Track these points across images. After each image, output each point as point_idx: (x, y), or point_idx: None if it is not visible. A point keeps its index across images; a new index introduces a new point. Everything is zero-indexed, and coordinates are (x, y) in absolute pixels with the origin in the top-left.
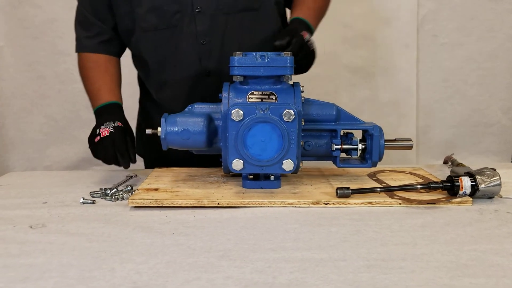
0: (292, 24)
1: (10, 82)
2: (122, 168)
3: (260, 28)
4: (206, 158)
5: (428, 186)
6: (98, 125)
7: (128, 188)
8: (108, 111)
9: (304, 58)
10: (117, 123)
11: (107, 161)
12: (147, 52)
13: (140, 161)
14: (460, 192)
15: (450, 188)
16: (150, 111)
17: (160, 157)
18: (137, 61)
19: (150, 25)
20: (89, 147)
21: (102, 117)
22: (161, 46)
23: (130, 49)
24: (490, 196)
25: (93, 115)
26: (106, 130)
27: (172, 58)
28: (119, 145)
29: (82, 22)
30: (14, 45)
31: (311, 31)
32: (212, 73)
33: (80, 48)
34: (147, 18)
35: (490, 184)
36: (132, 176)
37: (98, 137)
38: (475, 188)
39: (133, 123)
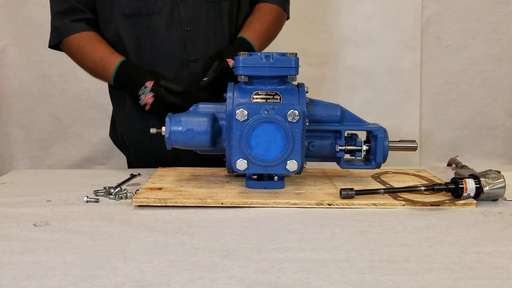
0: (233, 44)
1: (15, 81)
2: (125, 167)
3: (237, 16)
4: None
5: (432, 188)
6: (132, 93)
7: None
8: (126, 75)
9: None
10: (147, 83)
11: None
12: (129, 39)
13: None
14: (464, 194)
15: (454, 190)
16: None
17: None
18: (116, 50)
19: (133, 12)
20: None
21: (127, 83)
22: (143, 32)
23: (107, 37)
24: (494, 198)
25: (97, 114)
26: (148, 98)
27: (155, 44)
28: (169, 100)
29: (66, 10)
30: (18, 44)
31: (253, 51)
32: (197, 59)
33: (69, 31)
34: (130, 4)
35: (495, 187)
36: (135, 175)
37: (148, 107)
38: (479, 190)
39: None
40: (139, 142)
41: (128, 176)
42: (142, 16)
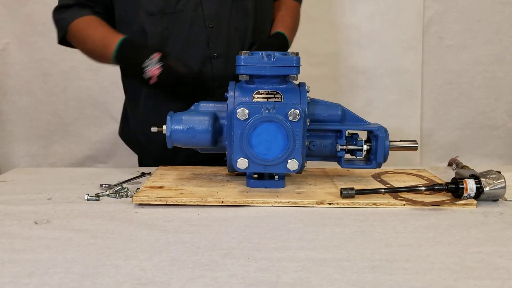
0: (273, 37)
1: (16, 79)
2: (127, 165)
3: (260, 14)
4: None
5: (433, 188)
6: (136, 67)
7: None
8: (130, 49)
9: None
10: (154, 55)
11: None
12: (153, 36)
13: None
14: (465, 194)
15: (455, 190)
16: (150, 98)
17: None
18: None
19: (157, 9)
20: (150, 85)
21: (129, 58)
22: (167, 29)
23: (130, 34)
24: (494, 199)
25: (98, 112)
26: (155, 69)
27: (178, 41)
28: (179, 70)
29: (71, 4)
30: (20, 42)
31: (287, 46)
32: (219, 55)
33: (71, 18)
34: (153, 2)
35: (495, 187)
36: (145, 174)
37: (154, 79)
38: (479, 190)
39: None
40: (152, 138)
41: (132, 175)
42: (165, 13)
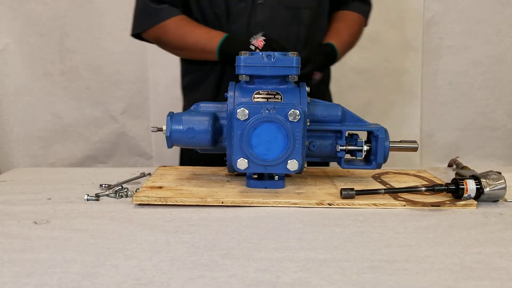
0: (322, 49)
1: (16, 79)
2: (126, 165)
3: (314, 25)
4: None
5: (433, 188)
6: (244, 44)
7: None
8: (234, 39)
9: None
10: (258, 36)
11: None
12: None
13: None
14: (465, 195)
15: (455, 191)
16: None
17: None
18: None
19: (222, 11)
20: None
21: (237, 43)
22: (226, 31)
23: None
24: (495, 199)
25: (98, 112)
26: (259, 41)
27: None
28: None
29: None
30: (20, 42)
31: (335, 59)
32: None
33: (164, 17)
34: (216, 4)
35: (495, 188)
36: (145, 174)
37: (258, 50)
38: (480, 191)
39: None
40: None
41: (132, 175)
42: (225, 16)
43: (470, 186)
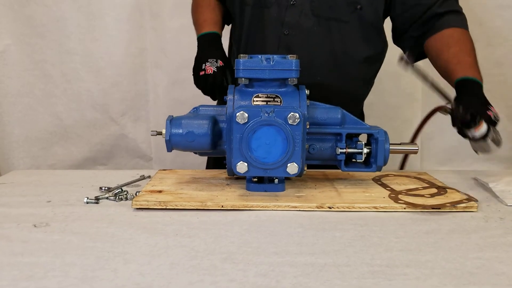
0: (469, 92)
1: (17, 80)
2: (127, 168)
3: (344, 40)
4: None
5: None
6: (202, 58)
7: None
8: (210, 43)
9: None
10: (219, 62)
11: (205, 93)
12: (244, 28)
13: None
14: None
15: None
16: None
17: None
18: (236, 35)
19: (250, 1)
20: (193, 75)
21: (205, 48)
22: (253, 23)
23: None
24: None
25: (98, 114)
26: (210, 68)
27: (256, 38)
28: (219, 84)
29: None
30: (21, 44)
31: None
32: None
33: None
34: None
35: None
36: (144, 177)
37: (203, 72)
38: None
39: None
40: None
41: (132, 178)
42: (255, 6)
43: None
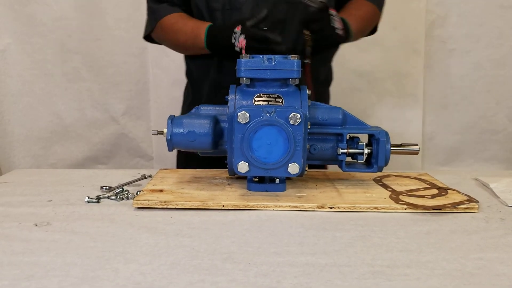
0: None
1: (17, 79)
2: (128, 167)
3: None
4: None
5: None
6: (228, 43)
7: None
8: (216, 33)
9: (319, 32)
10: (236, 29)
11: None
12: None
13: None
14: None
15: None
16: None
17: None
18: None
19: (219, 4)
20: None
21: (220, 39)
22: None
23: None
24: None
25: (99, 113)
26: (241, 41)
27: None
28: (259, 35)
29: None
30: (22, 43)
31: (349, 34)
32: None
33: (162, 14)
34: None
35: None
36: (145, 176)
37: (244, 51)
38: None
39: None
40: None
41: (133, 177)
42: (225, 10)
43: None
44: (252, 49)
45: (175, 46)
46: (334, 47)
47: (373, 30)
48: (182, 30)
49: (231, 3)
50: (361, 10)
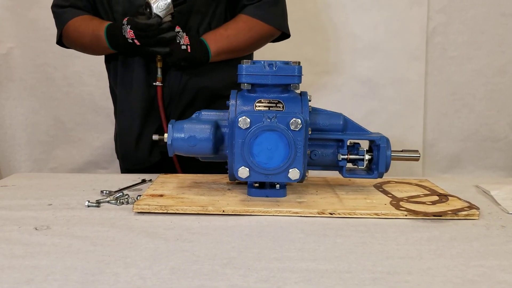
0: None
1: (19, 83)
2: (127, 172)
3: (206, 15)
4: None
5: None
6: (123, 39)
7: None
8: (113, 31)
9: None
10: (124, 20)
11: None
12: None
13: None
14: None
15: None
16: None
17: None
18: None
19: (119, 15)
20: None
21: (116, 36)
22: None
23: None
24: None
25: (100, 118)
26: (129, 32)
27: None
28: (140, 23)
29: (66, 5)
30: (24, 47)
31: (207, 54)
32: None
33: (67, 19)
34: (115, 8)
35: None
36: (145, 180)
37: (136, 41)
38: None
39: None
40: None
41: (133, 182)
42: (126, 13)
43: None
44: (141, 37)
45: (83, 49)
46: (190, 66)
47: (283, 36)
48: (85, 32)
49: (131, 5)
50: (234, 25)
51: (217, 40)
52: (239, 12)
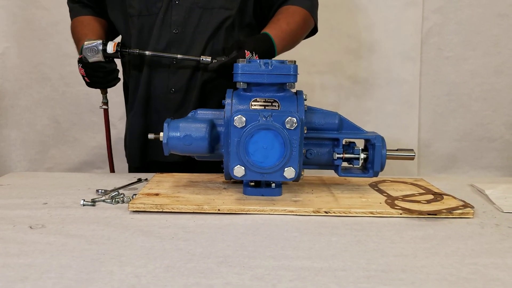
0: (255, 37)
1: (15, 83)
2: (125, 171)
3: (231, 28)
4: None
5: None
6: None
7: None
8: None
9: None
10: (78, 57)
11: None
12: (133, 38)
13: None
14: None
15: None
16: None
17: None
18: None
19: (135, 10)
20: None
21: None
22: (142, 32)
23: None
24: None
25: (96, 118)
26: (80, 69)
27: (149, 43)
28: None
29: (78, 1)
30: (20, 46)
31: (274, 50)
32: (178, 61)
33: (72, 16)
34: (132, 5)
35: None
36: (141, 180)
37: (86, 78)
38: None
39: None
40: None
41: (128, 181)
42: (142, 15)
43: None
44: (91, 75)
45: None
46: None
47: (313, 31)
48: (75, 37)
49: (148, 8)
50: (293, 19)
51: (283, 38)
52: (285, 2)
